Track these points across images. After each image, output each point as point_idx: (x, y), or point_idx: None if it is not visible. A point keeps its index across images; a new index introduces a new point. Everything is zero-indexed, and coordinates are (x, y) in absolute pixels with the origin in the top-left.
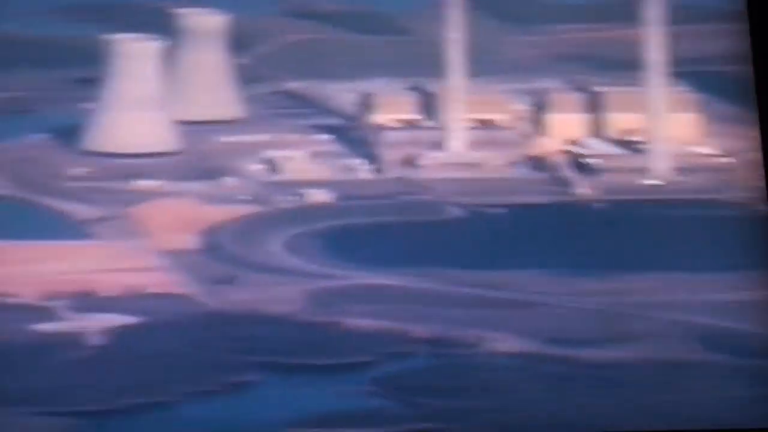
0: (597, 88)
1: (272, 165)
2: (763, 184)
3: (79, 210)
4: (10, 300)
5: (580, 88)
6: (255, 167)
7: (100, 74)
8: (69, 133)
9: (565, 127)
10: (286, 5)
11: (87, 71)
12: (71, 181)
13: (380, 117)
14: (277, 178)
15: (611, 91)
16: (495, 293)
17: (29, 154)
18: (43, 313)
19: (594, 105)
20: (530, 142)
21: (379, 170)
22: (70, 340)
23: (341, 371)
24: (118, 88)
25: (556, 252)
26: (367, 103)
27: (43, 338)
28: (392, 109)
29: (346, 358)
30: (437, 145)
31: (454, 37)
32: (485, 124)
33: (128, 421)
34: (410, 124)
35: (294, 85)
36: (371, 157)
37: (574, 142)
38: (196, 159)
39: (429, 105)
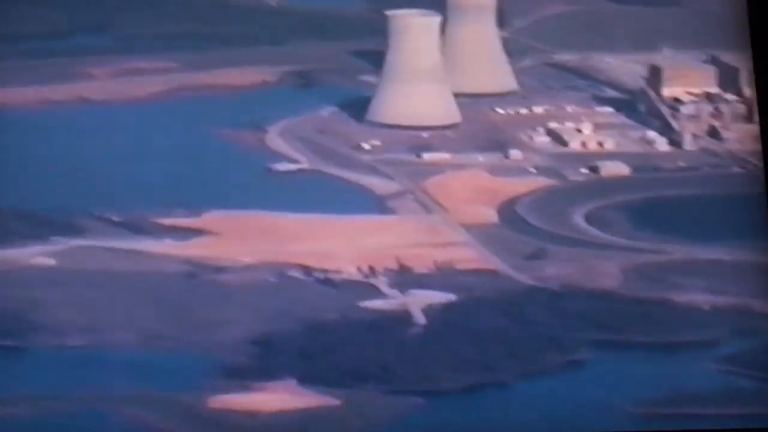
0: None
1: (558, 137)
2: None
3: (377, 184)
4: (336, 276)
5: None
6: (540, 139)
7: (380, 48)
8: (354, 106)
9: None
10: None
11: (366, 44)
12: (366, 154)
13: (672, 90)
14: (566, 150)
15: None
16: None
17: (323, 127)
18: (367, 289)
19: None
20: None
21: (678, 143)
22: (398, 318)
23: (684, 349)
24: (400, 61)
25: None
26: (656, 76)
27: (372, 315)
28: (686, 82)
29: (687, 335)
30: (744, 119)
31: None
32: None
33: (469, 400)
34: (709, 97)
35: (565, 58)
36: (667, 130)
37: None
38: (478, 131)
39: (729, 78)
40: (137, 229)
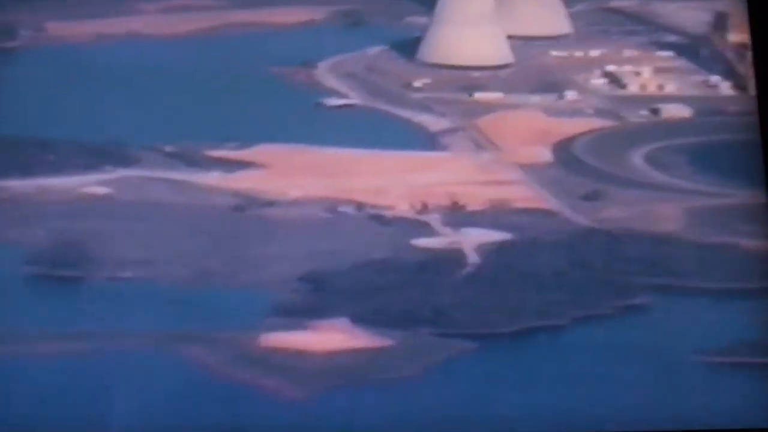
0: None
1: (616, 79)
2: None
3: (429, 121)
4: (388, 213)
5: None
6: (596, 81)
7: None
8: (404, 46)
9: None
10: None
11: None
12: (416, 92)
13: (738, 36)
14: (624, 92)
15: None
16: None
17: (373, 65)
18: (419, 227)
19: None
20: None
21: (743, 87)
22: (451, 257)
23: (748, 296)
24: (452, 4)
25: None
26: (721, 22)
27: (424, 254)
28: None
29: (750, 282)
30: None
31: None
32: None
33: (523, 344)
34: None
35: (623, 3)
36: (731, 75)
37: None
38: (532, 73)
39: None
40: (188, 160)
